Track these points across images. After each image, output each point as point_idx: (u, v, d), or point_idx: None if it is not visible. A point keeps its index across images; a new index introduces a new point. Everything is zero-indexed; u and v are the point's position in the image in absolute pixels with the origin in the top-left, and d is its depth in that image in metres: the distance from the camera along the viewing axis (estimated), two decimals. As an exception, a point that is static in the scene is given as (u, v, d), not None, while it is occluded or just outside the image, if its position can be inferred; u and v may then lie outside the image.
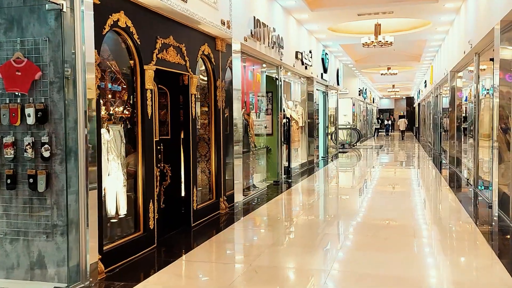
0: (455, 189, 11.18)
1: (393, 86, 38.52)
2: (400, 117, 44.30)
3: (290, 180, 12.22)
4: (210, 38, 7.58)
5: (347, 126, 26.79)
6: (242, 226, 7.35)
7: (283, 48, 11.24)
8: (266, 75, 11.08)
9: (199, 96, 7.82)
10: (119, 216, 5.57)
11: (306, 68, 14.25)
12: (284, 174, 12.41)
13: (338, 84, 20.86)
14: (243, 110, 9.45)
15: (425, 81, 27.93)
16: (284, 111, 13.01)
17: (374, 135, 40.36)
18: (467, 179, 11.67)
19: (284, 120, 12.83)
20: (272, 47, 10.40)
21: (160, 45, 5.98)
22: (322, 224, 7.46)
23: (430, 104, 24.82)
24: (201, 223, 7.16)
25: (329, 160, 18.51)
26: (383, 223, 7.42)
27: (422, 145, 27.73)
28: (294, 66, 12.74)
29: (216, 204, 7.87)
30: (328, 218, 8.09)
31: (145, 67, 5.62)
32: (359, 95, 31.53)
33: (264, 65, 11.02)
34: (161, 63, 6.01)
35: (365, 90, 34.83)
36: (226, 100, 8.18)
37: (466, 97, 14.35)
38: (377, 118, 45.27)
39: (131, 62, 5.58)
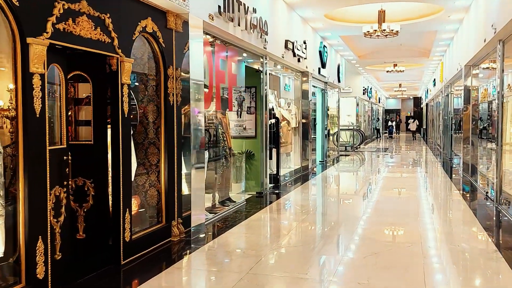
0: (472, 203, 9.28)
1: (400, 85, 36.51)
2: (408, 117, 42.55)
3: (278, 191, 10.37)
4: (157, 12, 5.74)
5: (350, 127, 24.88)
6: (194, 263, 5.51)
7: (267, 35, 9.37)
8: (246, 66, 9.20)
9: (142, 88, 5.99)
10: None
11: (299, 60, 12.37)
12: (270, 184, 10.55)
13: (339, 81, 18.95)
14: (211, 108, 7.61)
15: (434, 79, 25.99)
16: (273, 109, 11.17)
17: (377, 136, 38.35)
18: (486, 193, 9.77)
19: (272, 121, 10.99)
20: (252, 31, 8.53)
21: (62, 11, 4.14)
22: (310, 259, 5.53)
23: (440, 104, 22.88)
24: (138, 258, 5.32)
25: (328, 164, 16.61)
26: (385, 263, 5.53)
27: (430, 147, 25.75)
28: (283, 57, 10.87)
29: (166, 229, 6.03)
30: (320, 246, 6.17)
31: (29, 40, 3.79)
32: (364, 94, 29.59)
33: (244, 55, 9.16)
34: (64, 38, 4.18)
35: (370, 89, 32.88)
36: (183, 95, 6.33)
37: (482, 95, 12.45)
38: (386, 120, 43.62)
39: (7, 31, 3.75)
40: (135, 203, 5.88)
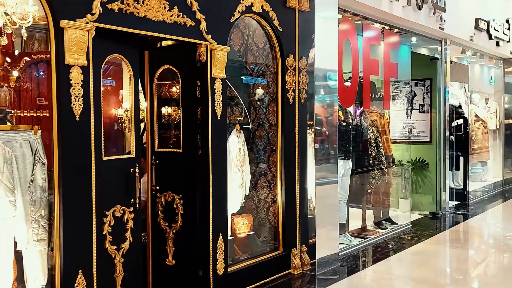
0: None
1: None
2: None
3: (464, 211, 8.20)
4: (271, -13, 4.60)
5: None
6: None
7: (444, 12, 7.37)
8: (414, 52, 7.37)
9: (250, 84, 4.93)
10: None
11: (498, 44, 9.79)
12: (452, 201, 8.44)
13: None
14: (355, 107, 6.13)
15: None
16: (460, 107, 8.99)
17: None
18: None
19: (459, 121, 8.83)
20: (420, 8, 6.72)
21: (116, -13, 3.30)
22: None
23: None
24: (239, 295, 4.25)
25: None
26: None
27: None
28: (471, 40, 8.60)
29: (284, 259, 4.83)
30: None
31: (63, 23, 3.02)
32: None
33: (414, 39, 7.36)
34: (120, 21, 3.33)
35: None
36: (311, 91, 5.05)
37: None
38: None
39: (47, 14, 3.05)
40: (245, 224, 4.82)
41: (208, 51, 3.99)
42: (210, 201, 4.03)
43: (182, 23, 3.76)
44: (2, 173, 2.98)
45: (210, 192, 4.02)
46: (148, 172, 4.32)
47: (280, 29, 4.71)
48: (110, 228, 3.43)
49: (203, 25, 3.92)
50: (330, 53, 5.04)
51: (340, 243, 5.77)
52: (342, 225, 6.03)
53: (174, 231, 4.21)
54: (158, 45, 4.50)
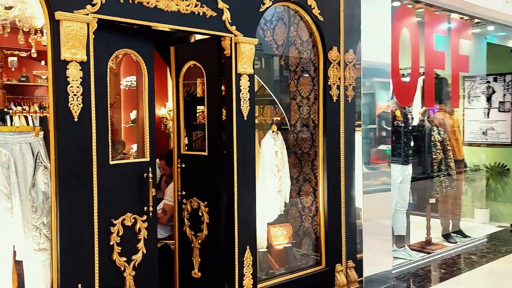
0: None
1: None
2: None
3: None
4: (310, -29, 4.13)
5: None
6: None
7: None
8: (491, 43, 6.48)
9: (286, 79, 4.50)
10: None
11: None
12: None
13: None
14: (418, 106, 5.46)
15: None
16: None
17: None
18: None
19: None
20: (495, -8, 5.88)
21: (121, -25, 3.02)
22: None
23: None
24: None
25: None
26: None
27: None
28: None
29: (326, 275, 4.32)
30: None
31: (58, 15, 2.77)
32: None
33: (491, 28, 6.49)
34: (125, 12, 3.04)
35: None
36: (359, 87, 4.51)
37: None
38: None
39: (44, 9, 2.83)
40: (284, 235, 4.38)
41: (233, 44, 3.61)
42: (235, 209, 3.63)
43: (201, 14, 3.41)
44: (-4, 178, 2.80)
45: (235, 199, 3.63)
46: (175, 176, 4.03)
47: (321, 19, 4.22)
48: (119, 238, 3.15)
49: (226, 15, 3.54)
50: (381, 44, 4.45)
51: (397, 258, 5.17)
52: (400, 238, 5.40)
53: (199, 241, 3.88)
54: (189, 40, 4.22)
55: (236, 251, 3.65)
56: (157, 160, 5.07)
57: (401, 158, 5.17)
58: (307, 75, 4.61)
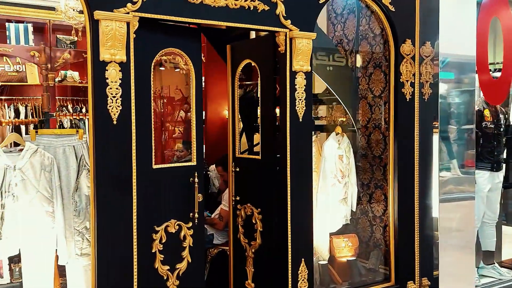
0: None
1: None
2: None
3: None
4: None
5: None
6: None
7: None
8: None
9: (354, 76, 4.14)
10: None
11: None
12: None
13: None
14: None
15: None
16: None
17: None
18: None
19: None
20: None
21: (163, -31, 2.88)
22: None
23: None
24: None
25: None
26: None
27: None
28: None
29: (396, 293, 3.91)
30: None
31: (97, 15, 2.69)
32: None
33: None
34: (168, 9, 2.89)
35: None
36: (436, 85, 4.02)
37: None
38: None
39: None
40: (348, 247, 4.03)
41: (287, 39, 3.33)
42: (288, 218, 3.36)
43: (252, 8, 3.18)
44: (38, 182, 2.78)
45: (288, 207, 3.35)
46: (230, 181, 3.85)
47: (392, 9, 3.79)
48: (161, 246, 3.02)
49: (281, 9, 3.27)
50: (463, 35, 3.91)
51: (484, 276, 4.59)
52: (489, 254, 4.78)
53: (253, 250, 3.66)
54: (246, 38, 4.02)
55: (290, 263, 3.37)
56: (213, 167, 4.94)
57: (490, 163, 4.55)
58: (380, 72, 4.20)
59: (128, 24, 2.77)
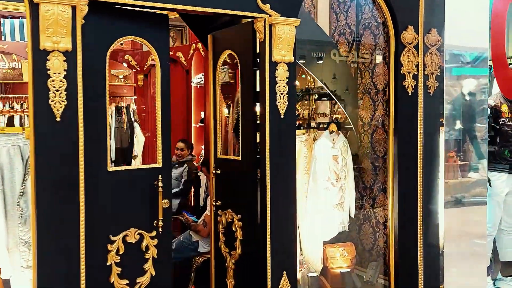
0: None
1: None
2: None
3: None
4: None
5: None
6: None
7: None
8: None
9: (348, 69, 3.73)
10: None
11: None
12: None
13: None
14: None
15: None
16: None
17: None
18: None
19: None
20: None
21: None
22: None
23: None
24: None
25: None
26: None
27: None
28: None
29: (396, 310, 3.48)
30: None
31: (37, -1, 2.37)
32: None
33: None
34: (124, -9, 2.55)
35: None
36: (441, 77, 3.56)
37: None
38: None
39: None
40: (344, 257, 3.63)
41: (266, 26, 2.95)
42: (268, 226, 2.98)
43: (224, -10, 2.81)
44: (-25, 185, 2.49)
45: (268, 213, 2.98)
46: (211, 183, 3.50)
47: (394, -8, 3.36)
48: (119, 258, 2.69)
49: (257, -9, 2.89)
50: (474, 23, 3.46)
51: (501, 292, 4.12)
52: (508, 264, 4.29)
53: (233, 261, 3.30)
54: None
55: (269, 276, 3.00)
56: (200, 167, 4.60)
57: (509, 164, 4.06)
58: (384, 65, 3.77)
59: (74, 8, 2.44)
